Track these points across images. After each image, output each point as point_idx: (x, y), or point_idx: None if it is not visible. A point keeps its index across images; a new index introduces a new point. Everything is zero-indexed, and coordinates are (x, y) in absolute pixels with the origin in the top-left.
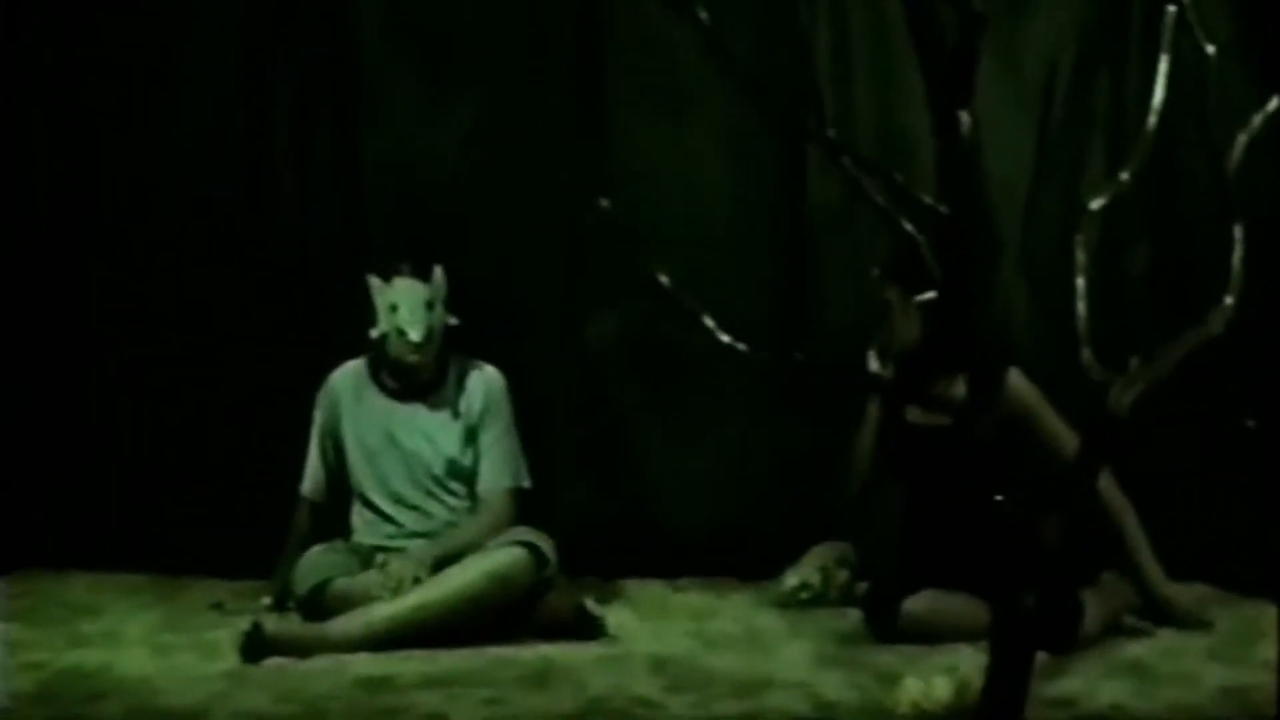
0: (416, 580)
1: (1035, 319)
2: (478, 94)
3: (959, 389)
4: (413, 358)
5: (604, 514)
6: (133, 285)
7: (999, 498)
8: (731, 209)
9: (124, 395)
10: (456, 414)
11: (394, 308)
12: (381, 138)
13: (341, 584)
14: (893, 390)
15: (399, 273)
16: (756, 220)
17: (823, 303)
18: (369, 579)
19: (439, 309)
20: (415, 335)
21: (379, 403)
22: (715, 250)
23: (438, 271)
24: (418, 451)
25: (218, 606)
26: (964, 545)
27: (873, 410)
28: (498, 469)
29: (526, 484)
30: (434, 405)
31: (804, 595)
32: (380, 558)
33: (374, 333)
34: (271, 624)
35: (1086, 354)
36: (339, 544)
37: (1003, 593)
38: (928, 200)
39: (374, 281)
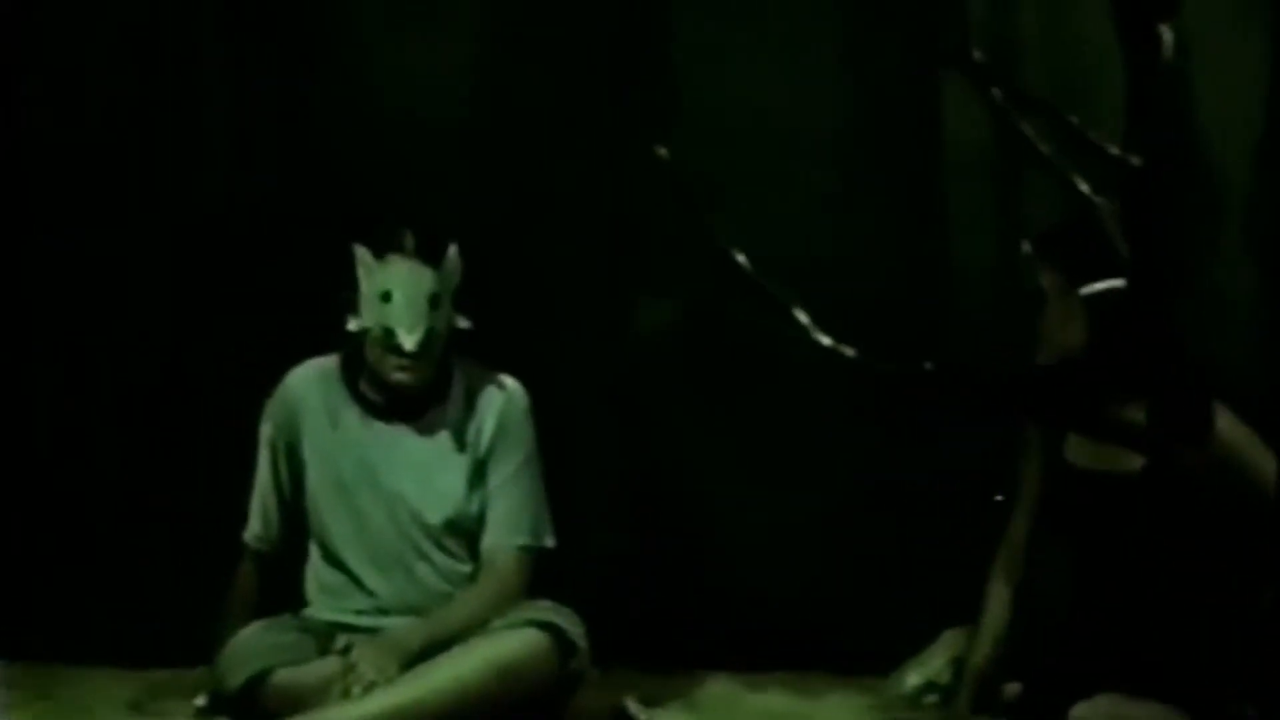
0: (388, 676)
1: (1267, 320)
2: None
3: (1139, 418)
4: (399, 375)
5: (653, 581)
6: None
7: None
8: (836, 161)
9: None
10: (462, 443)
11: (386, 296)
12: (347, 65)
13: (287, 676)
14: (1047, 416)
15: (398, 248)
16: (871, 176)
17: (959, 291)
18: (325, 669)
19: (447, 306)
20: (409, 343)
21: (354, 421)
22: (813, 218)
23: (453, 252)
24: (405, 493)
25: (135, 709)
26: (1155, 633)
27: (1037, 442)
28: (510, 520)
29: (549, 543)
30: (431, 430)
31: (930, 699)
32: (342, 640)
33: (353, 324)
34: None
35: None
36: (287, 619)
37: (1208, 699)
38: (1112, 149)
39: (362, 255)
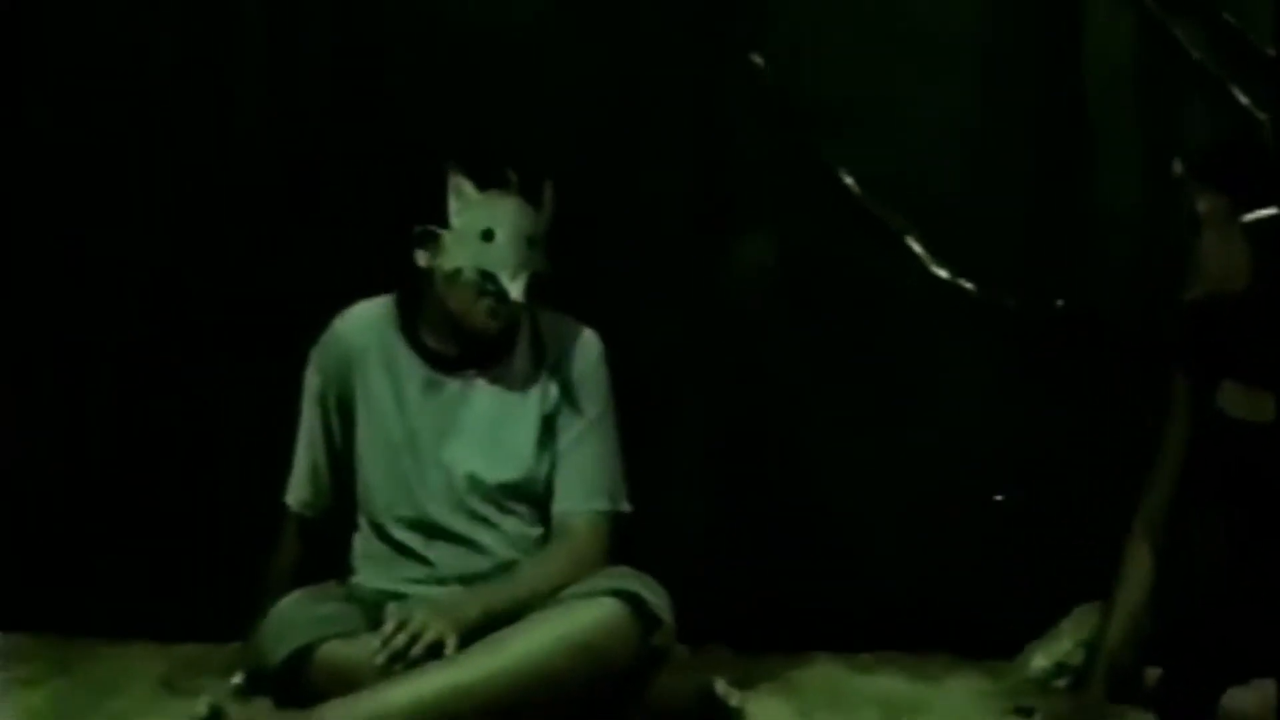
0: (439, 646)
1: None
2: None
3: None
4: (489, 322)
5: (748, 551)
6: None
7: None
8: (960, 77)
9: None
10: (530, 397)
11: (488, 234)
12: None
13: (334, 650)
14: (1198, 361)
15: (502, 183)
16: (1001, 95)
17: (1100, 219)
18: (377, 643)
19: (541, 250)
20: (516, 290)
21: (414, 374)
22: (934, 142)
23: (549, 191)
24: (469, 453)
25: (166, 686)
26: None
27: (1185, 390)
28: (585, 483)
29: (626, 507)
30: (497, 383)
31: (1060, 682)
32: (392, 608)
33: (427, 261)
34: (238, 712)
35: None
36: (332, 588)
37: None
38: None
39: (461, 184)
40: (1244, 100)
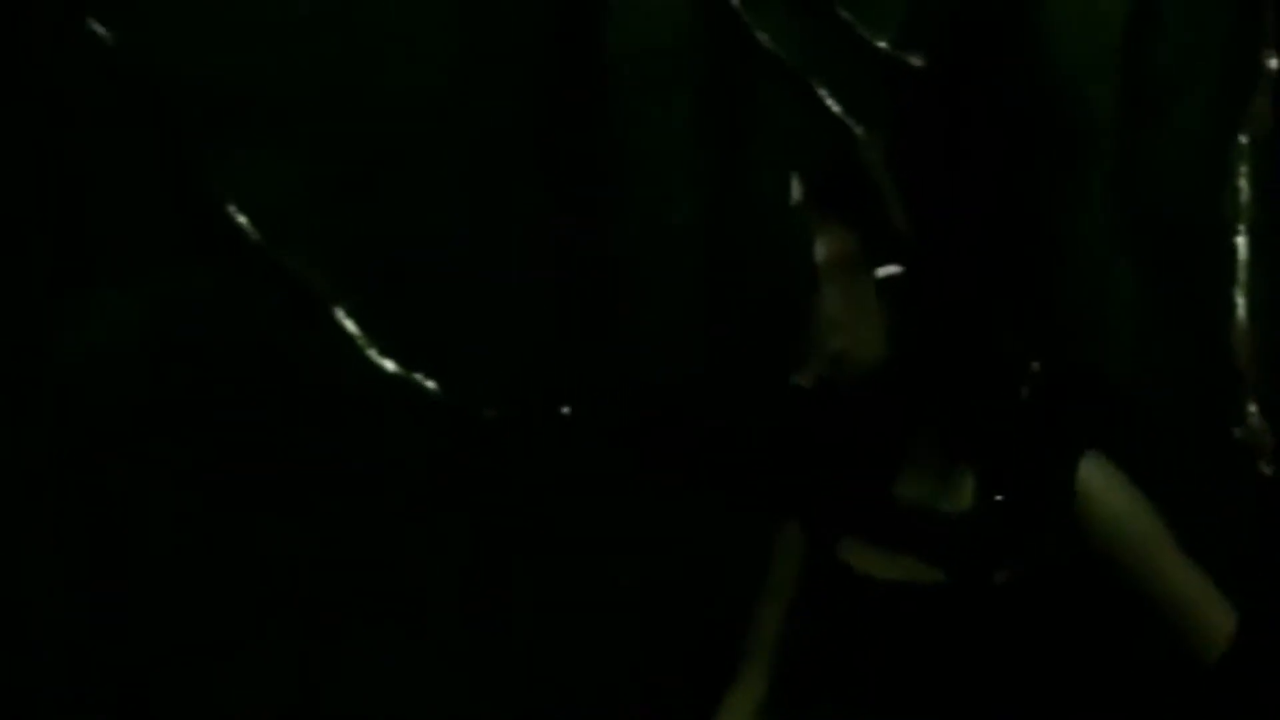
0: None
1: (1148, 327)
2: None
3: (961, 493)
4: None
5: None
6: None
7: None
8: (427, 62)
9: None
10: None
11: None
12: None
13: None
14: (809, 483)
15: None
16: (485, 89)
17: (638, 283)
18: None
19: None
20: None
21: None
22: (378, 153)
23: None
24: None
25: None
26: None
27: (792, 541)
28: None
29: None
30: None
31: None
32: None
33: None
34: None
35: (1253, 414)
36: None
37: None
38: (881, 44)
39: None
40: (836, 108)
